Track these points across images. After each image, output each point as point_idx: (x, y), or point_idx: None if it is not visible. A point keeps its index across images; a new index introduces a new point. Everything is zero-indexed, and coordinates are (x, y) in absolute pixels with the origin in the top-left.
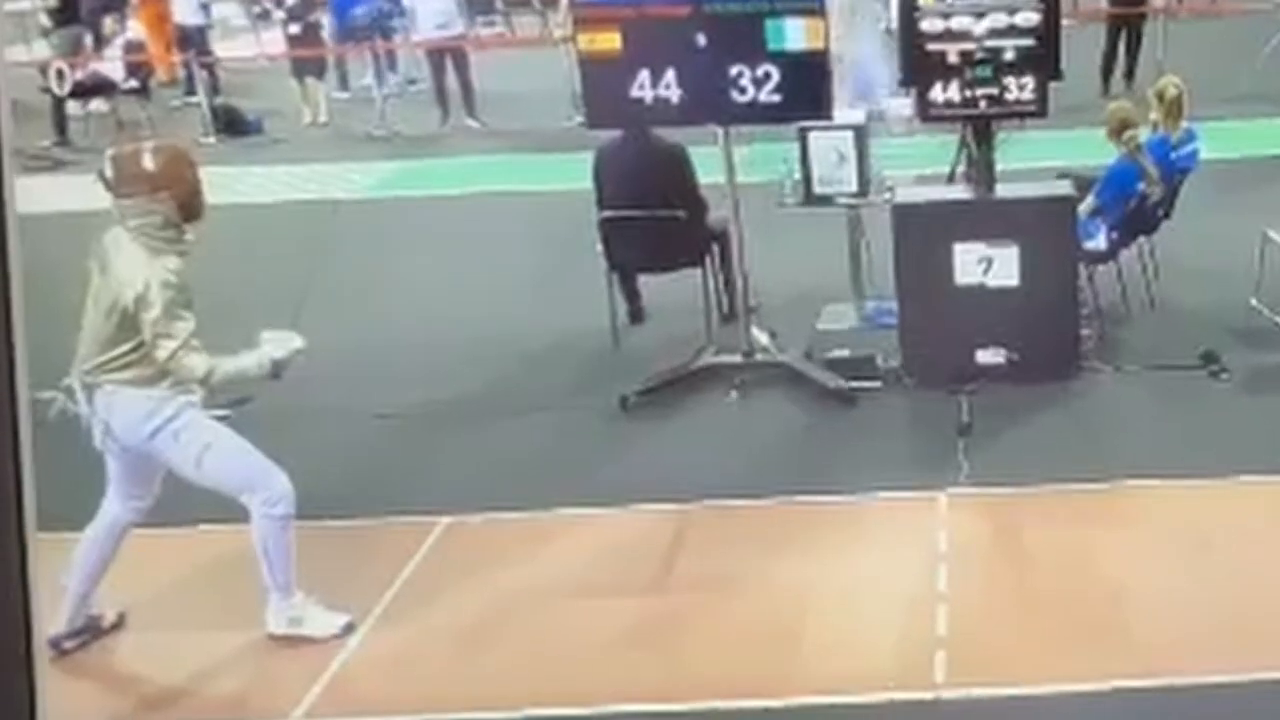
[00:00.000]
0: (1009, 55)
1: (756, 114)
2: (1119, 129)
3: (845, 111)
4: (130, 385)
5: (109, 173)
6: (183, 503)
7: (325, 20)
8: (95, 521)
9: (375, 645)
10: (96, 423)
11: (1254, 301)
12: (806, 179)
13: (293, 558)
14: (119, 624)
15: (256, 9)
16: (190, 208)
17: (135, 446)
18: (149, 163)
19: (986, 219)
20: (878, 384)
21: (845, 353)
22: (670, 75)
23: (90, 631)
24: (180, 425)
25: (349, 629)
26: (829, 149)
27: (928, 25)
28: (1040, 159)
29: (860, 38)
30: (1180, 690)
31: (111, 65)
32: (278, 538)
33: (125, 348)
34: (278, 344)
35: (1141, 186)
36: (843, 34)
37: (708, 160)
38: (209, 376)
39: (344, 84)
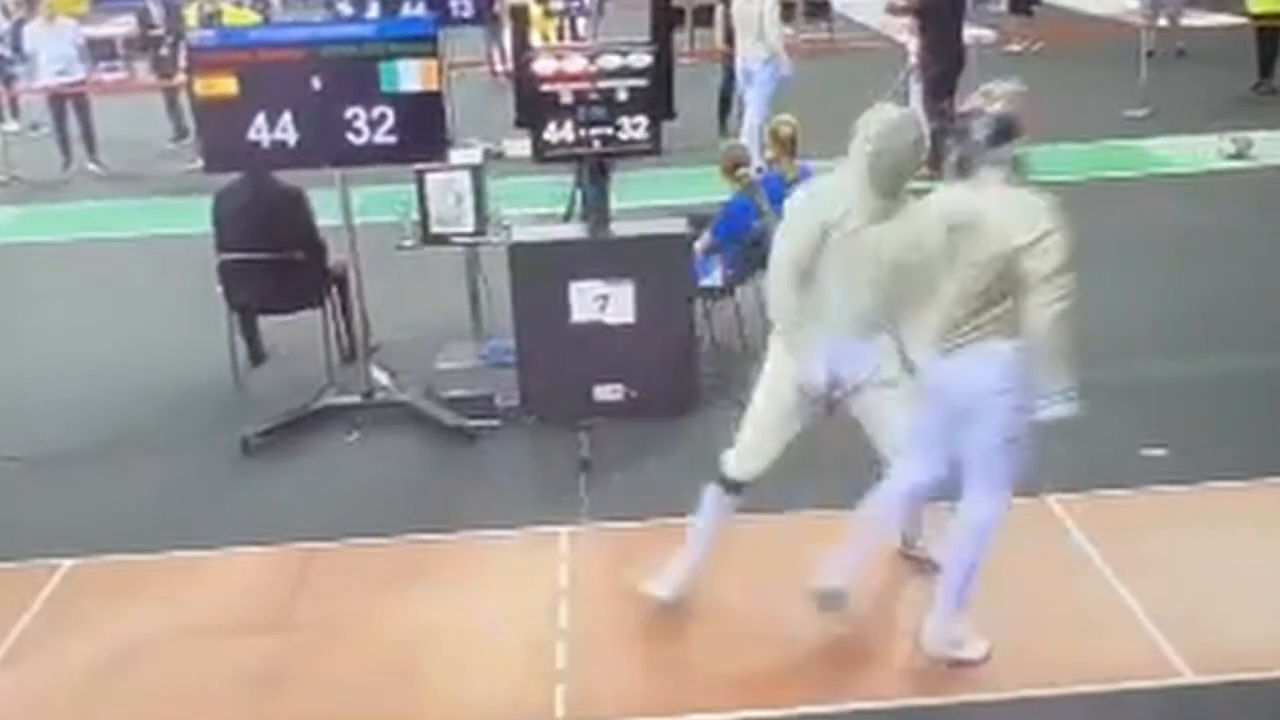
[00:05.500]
0: (622, 96)
1: (372, 155)
2: (732, 167)
3: (463, 152)
4: (992, 341)
5: None
6: None
7: None
8: (889, 489)
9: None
10: (944, 382)
11: None
12: (424, 219)
13: None
14: None
15: None
16: None
17: (975, 406)
18: None
19: (602, 257)
20: (496, 422)
21: (464, 391)
22: (286, 118)
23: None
24: (1015, 387)
25: None
26: (446, 189)
27: (540, 66)
28: (658, 197)
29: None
30: None
31: None
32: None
33: (997, 310)
34: None
35: (756, 223)
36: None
37: (327, 202)
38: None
39: None
